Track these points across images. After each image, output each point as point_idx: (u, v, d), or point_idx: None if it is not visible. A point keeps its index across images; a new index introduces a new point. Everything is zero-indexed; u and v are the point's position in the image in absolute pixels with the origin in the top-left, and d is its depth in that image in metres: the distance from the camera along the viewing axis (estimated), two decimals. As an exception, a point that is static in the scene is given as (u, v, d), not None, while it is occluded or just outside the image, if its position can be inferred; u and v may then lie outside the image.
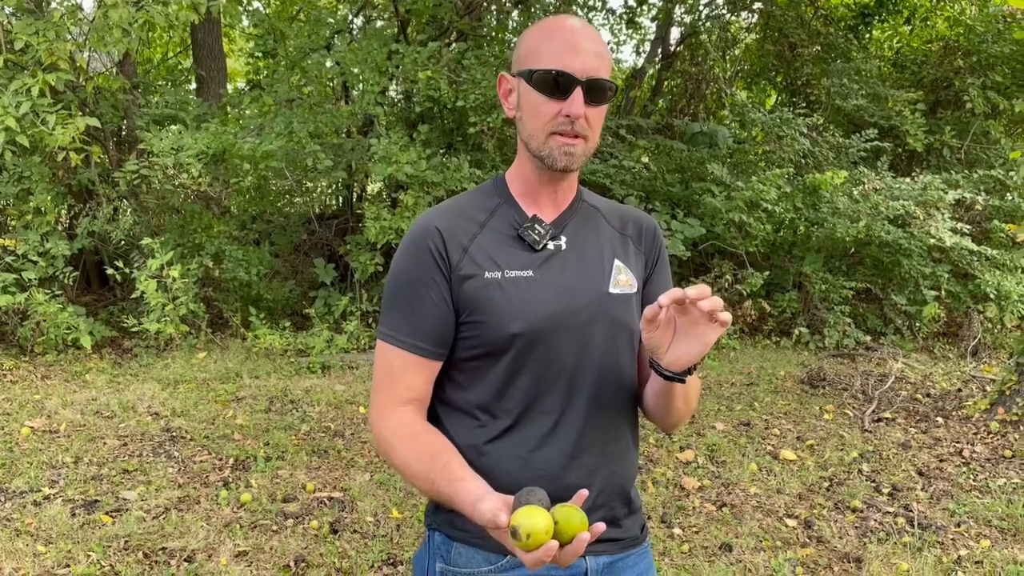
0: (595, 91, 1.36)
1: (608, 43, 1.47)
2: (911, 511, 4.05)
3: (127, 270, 6.78)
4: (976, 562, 3.55)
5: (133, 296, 6.82)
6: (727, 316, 1.21)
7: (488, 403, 1.41)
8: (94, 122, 6.27)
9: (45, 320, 6.30)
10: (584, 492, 1.21)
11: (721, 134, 8.89)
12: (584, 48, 1.35)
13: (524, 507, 1.14)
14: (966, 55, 9.82)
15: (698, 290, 1.19)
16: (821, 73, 9.82)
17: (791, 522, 3.91)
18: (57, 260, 6.65)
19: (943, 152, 9.48)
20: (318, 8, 8.52)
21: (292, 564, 3.34)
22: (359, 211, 7.83)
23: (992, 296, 7.62)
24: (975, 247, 7.60)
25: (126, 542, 3.45)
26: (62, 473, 4.16)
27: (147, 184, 7.32)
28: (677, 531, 3.77)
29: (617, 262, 1.48)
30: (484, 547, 1.39)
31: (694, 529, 3.81)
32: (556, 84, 1.35)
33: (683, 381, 1.34)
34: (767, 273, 7.99)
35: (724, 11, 10.89)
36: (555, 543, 1.11)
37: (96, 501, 3.84)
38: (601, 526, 1.15)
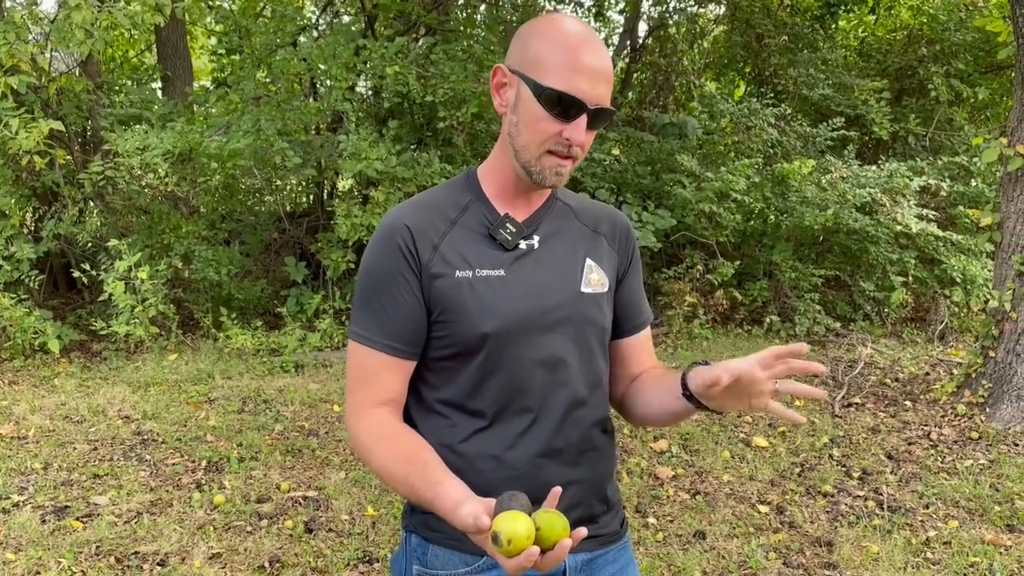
0: (598, 118, 1.34)
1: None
2: (881, 494, 4.12)
3: (94, 272, 6.69)
4: (945, 543, 3.61)
5: (101, 299, 6.72)
6: (821, 392, 1.29)
7: (461, 403, 1.40)
8: (58, 126, 6.17)
9: (11, 325, 6.20)
10: (558, 489, 1.19)
11: (690, 125, 8.93)
12: (596, 70, 1.32)
13: (505, 512, 1.12)
14: (929, 43, 9.95)
15: (803, 389, 1.27)
16: (788, 63, 9.89)
17: (763, 508, 3.96)
18: (22, 263, 6.54)
19: (908, 140, 9.61)
20: (284, 4, 8.43)
21: (267, 564, 3.33)
22: (330, 208, 7.78)
23: (958, 280, 7.74)
24: (941, 233, 7.72)
25: (97, 547, 3.42)
26: (31, 479, 4.10)
27: (113, 185, 7.21)
28: (651, 520, 3.80)
29: (589, 261, 1.47)
30: (460, 548, 1.38)
31: (668, 518, 3.84)
32: (563, 106, 1.31)
33: (712, 410, 1.38)
34: (738, 263, 8.07)
35: (691, 3, 10.94)
36: (536, 549, 1.10)
37: (66, 507, 3.80)
38: (583, 531, 1.14)
